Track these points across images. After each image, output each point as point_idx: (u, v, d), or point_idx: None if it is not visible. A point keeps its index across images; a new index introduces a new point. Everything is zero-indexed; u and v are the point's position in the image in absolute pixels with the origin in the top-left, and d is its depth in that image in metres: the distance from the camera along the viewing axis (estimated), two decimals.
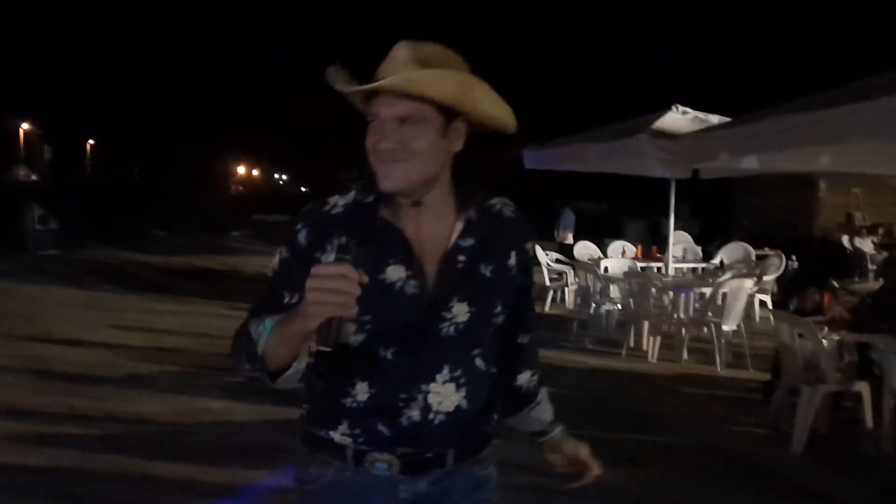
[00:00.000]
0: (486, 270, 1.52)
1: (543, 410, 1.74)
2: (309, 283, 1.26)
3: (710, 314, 7.18)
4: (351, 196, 1.52)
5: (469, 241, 1.51)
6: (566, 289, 10.34)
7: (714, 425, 5.42)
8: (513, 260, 1.57)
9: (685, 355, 7.13)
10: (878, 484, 4.31)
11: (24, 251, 15.39)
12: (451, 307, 1.48)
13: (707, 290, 7.57)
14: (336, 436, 1.49)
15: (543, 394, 1.75)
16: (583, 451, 1.69)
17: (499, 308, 1.56)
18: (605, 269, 8.78)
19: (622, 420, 5.38)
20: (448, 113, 1.44)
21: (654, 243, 11.15)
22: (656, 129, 7.42)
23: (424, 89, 1.40)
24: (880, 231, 14.13)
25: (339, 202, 1.52)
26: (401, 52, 1.44)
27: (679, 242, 10.63)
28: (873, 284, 7.37)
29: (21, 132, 50.08)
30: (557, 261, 10.62)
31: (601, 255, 10.30)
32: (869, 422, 4.77)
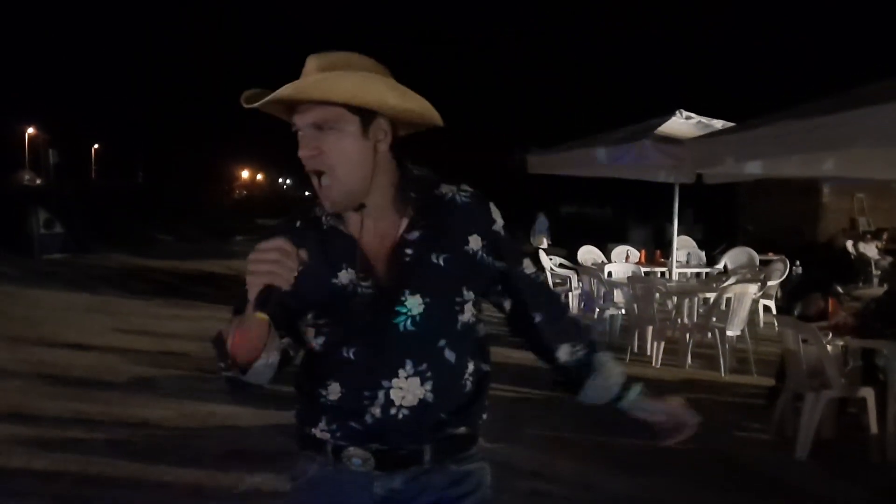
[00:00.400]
0: (439, 260, 1.52)
1: (608, 376, 1.69)
2: (249, 256, 1.35)
3: (714, 319, 7.18)
4: (308, 208, 1.60)
5: (415, 234, 1.53)
6: (570, 293, 10.34)
7: (718, 431, 5.41)
8: (474, 244, 1.56)
9: (689, 360, 7.12)
10: (883, 489, 4.31)
11: (29, 256, 15.43)
12: (404, 301, 1.50)
13: (711, 296, 7.57)
14: (317, 432, 1.55)
15: (601, 360, 1.68)
16: (670, 406, 1.71)
17: (466, 295, 1.56)
18: (609, 274, 8.77)
19: (625, 425, 5.33)
20: (364, 113, 1.47)
21: (657, 248, 11.15)
22: (660, 134, 7.43)
23: (321, 92, 1.43)
24: (884, 236, 14.09)
25: (298, 216, 1.61)
26: (309, 64, 1.49)
27: (683, 247, 10.62)
28: (877, 289, 7.37)
29: (26, 137, 50.30)
30: (561, 265, 10.62)
31: (605, 260, 10.29)
32: (873, 427, 4.75)
